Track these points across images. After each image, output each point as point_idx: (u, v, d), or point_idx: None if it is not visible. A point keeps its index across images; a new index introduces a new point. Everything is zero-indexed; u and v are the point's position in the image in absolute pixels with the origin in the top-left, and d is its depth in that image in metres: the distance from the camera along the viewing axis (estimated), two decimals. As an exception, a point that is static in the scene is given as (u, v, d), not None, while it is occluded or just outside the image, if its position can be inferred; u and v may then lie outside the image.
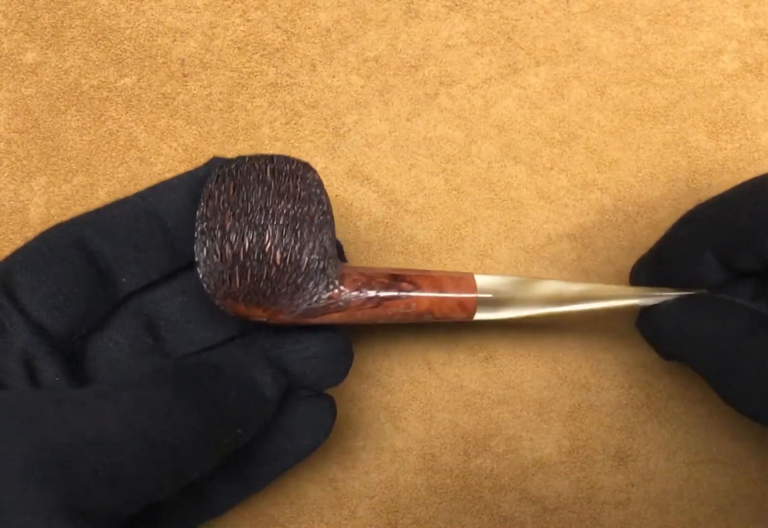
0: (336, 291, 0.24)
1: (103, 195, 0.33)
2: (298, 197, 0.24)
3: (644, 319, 0.27)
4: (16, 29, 0.34)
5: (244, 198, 0.24)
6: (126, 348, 0.25)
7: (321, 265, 0.24)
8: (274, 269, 0.23)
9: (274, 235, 0.23)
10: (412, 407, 0.31)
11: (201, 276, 0.24)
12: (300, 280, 0.24)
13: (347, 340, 0.27)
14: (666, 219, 0.32)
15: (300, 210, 0.24)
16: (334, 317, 0.25)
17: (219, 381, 0.22)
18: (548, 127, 0.33)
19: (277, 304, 0.24)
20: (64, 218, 0.32)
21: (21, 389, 0.22)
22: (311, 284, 0.24)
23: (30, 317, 0.23)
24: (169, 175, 0.33)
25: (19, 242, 0.32)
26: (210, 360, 0.23)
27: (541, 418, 0.30)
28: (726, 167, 0.32)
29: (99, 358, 0.25)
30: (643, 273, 0.28)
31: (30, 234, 0.32)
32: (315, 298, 0.24)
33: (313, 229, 0.24)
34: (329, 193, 0.32)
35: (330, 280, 0.24)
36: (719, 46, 0.33)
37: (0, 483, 0.19)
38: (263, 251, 0.23)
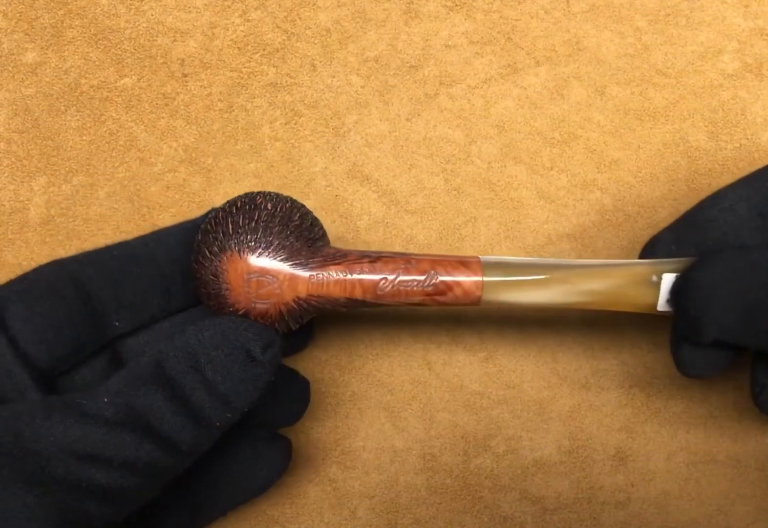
0: (332, 249, 0.25)
1: (103, 195, 0.33)
2: (289, 203, 0.25)
3: (680, 293, 0.24)
4: (16, 29, 0.34)
5: (236, 206, 0.25)
6: (92, 382, 0.25)
7: (313, 228, 0.25)
8: (264, 213, 0.24)
9: (263, 194, 0.25)
10: (412, 407, 0.31)
11: (193, 257, 0.24)
12: (291, 227, 0.24)
13: (306, 382, 0.27)
14: (666, 219, 0.32)
15: (290, 202, 0.25)
16: (332, 270, 0.24)
17: (201, 370, 0.22)
18: (548, 127, 0.33)
19: (271, 246, 0.24)
20: (64, 218, 0.32)
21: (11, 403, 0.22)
22: (302, 237, 0.24)
23: (18, 347, 0.23)
24: (169, 175, 0.33)
25: (19, 242, 0.32)
26: (188, 346, 0.22)
27: (541, 418, 0.30)
28: (726, 167, 0.32)
29: (68, 391, 0.25)
30: (670, 235, 0.26)
31: (30, 234, 0.32)
32: (310, 249, 0.24)
33: (301, 205, 0.25)
34: (329, 193, 0.32)
35: (324, 241, 0.25)
36: (719, 46, 0.33)
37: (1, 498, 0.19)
38: (254, 202, 0.24)
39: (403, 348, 0.31)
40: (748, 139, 0.33)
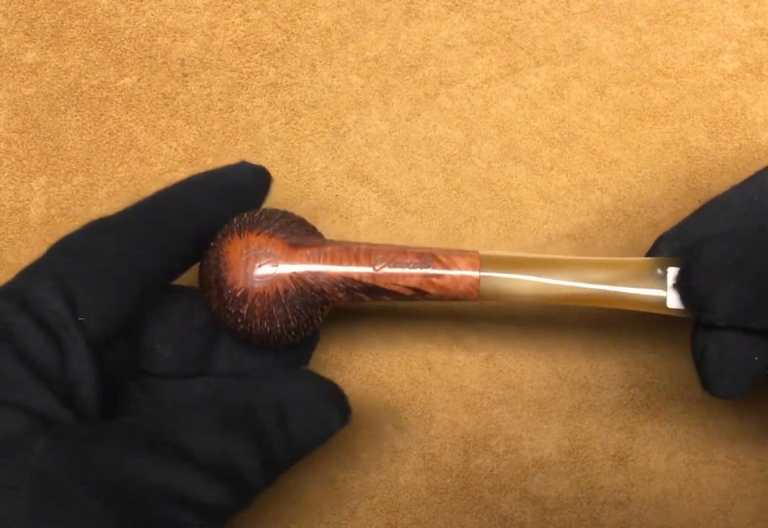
0: (325, 236, 0.26)
1: (103, 195, 0.33)
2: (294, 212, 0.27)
3: (685, 273, 0.23)
4: (16, 29, 0.34)
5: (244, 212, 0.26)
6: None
7: (315, 230, 0.26)
8: (269, 209, 0.26)
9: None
10: (412, 407, 0.31)
11: (201, 261, 0.25)
12: (293, 218, 0.26)
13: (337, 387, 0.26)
14: (666, 219, 0.32)
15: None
16: (328, 248, 0.25)
17: (286, 424, 0.22)
18: (548, 127, 0.33)
19: (270, 227, 0.25)
20: (64, 218, 0.32)
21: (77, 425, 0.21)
22: (302, 226, 0.26)
23: (89, 333, 0.23)
24: (169, 176, 0.33)
25: (19, 242, 0.32)
26: (277, 398, 0.23)
27: (541, 418, 0.30)
28: (726, 167, 0.32)
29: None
30: (673, 232, 0.25)
31: (30, 234, 0.32)
32: (309, 236, 0.26)
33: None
34: (329, 193, 0.32)
35: (317, 232, 0.26)
36: (719, 46, 0.33)
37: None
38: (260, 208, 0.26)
39: (403, 348, 0.31)
40: (748, 139, 0.33)
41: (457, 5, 0.34)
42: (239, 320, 0.24)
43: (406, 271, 0.25)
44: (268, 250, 0.24)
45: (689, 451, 0.30)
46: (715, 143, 0.33)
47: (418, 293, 0.25)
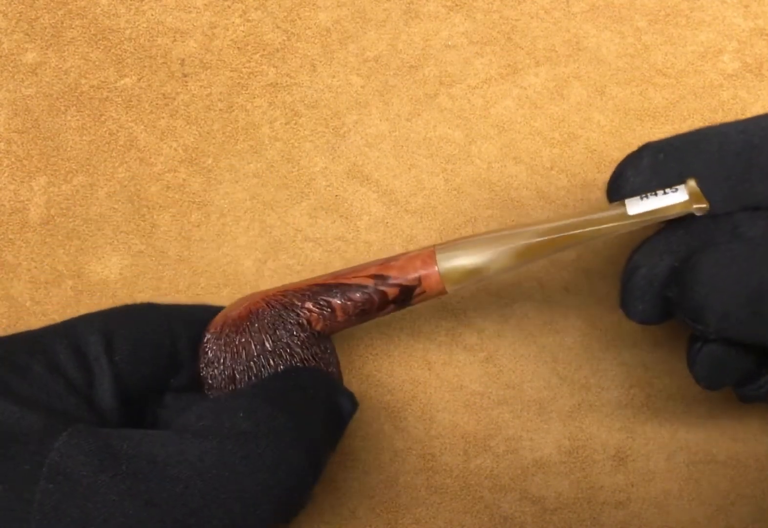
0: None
1: (103, 195, 0.33)
2: None
3: (679, 282, 0.23)
4: (16, 29, 0.34)
5: None
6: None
7: None
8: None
9: None
10: (412, 407, 0.31)
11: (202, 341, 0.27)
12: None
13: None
14: (666, 219, 0.32)
15: None
16: (295, 283, 0.27)
17: (312, 402, 0.24)
18: (548, 127, 0.33)
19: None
20: (64, 218, 0.32)
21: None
22: None
23: (120, 376, 0.24)
24: (169, 176, 0.33)
25: (19, 242, 0.32)
26: (303, 382, 0.25)
27: (541, 418, 0.30)
28: (726, 167, 0.32)
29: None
30: (663, 143, 0.25)
31: (30, 234, 0.32)
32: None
33: None
34: (329, 193, 0.32)
35: None
36: (719, 46, 0.33)
37: None
38: None
39: (403, 348, 0.31)
40: (748, 139, 0.33)
41: (457, 5, 0.34)
42: (218, 353, 0.26)
43: (364, 265, 0.26)
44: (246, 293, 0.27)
45: (689, 451, 0.30)
46: (715, 143, 0.33)
47: (380, 279, 0.26)
